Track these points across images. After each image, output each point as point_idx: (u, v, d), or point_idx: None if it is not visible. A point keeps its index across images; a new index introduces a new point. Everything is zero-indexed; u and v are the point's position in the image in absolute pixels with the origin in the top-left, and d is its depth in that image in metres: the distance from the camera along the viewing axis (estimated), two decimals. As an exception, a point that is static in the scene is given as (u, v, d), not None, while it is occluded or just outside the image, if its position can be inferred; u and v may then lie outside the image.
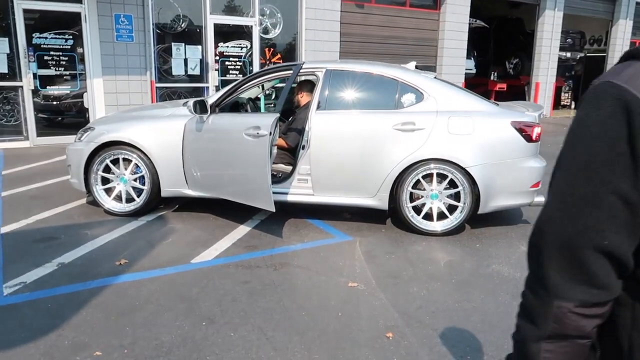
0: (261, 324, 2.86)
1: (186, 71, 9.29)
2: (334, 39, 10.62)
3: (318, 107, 4.42)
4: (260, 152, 3.96)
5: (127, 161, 4.70)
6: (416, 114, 4.34)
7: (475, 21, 14.18)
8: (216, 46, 9.49)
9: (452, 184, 4.32)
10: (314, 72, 4.57)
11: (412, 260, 3.86)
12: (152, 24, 8.79)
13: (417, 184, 4.35)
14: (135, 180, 4.71)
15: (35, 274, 3.46)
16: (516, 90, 15.67)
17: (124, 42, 8.58)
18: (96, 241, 4.09)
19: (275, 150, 4.28)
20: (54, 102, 8.40)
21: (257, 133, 4.00)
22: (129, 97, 8.80)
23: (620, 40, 16.18)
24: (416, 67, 4.98)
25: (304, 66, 4.57)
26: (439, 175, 4.31)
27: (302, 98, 4.92)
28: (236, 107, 5.10)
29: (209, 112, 4.33)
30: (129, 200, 4.75)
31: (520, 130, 4.27)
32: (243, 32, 9.80)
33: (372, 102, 4.50)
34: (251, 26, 9.80)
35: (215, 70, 9.50)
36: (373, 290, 3.33)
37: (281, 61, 10.41)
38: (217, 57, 9.53)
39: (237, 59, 9.78)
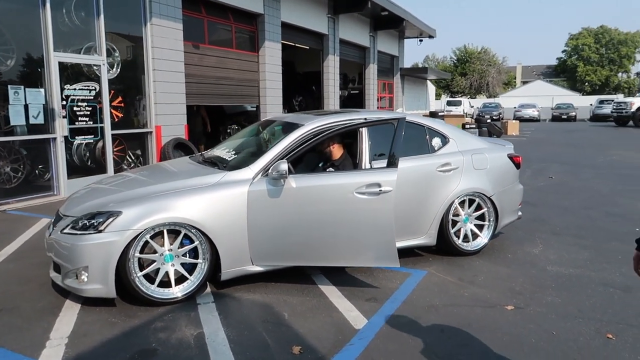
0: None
1: (27, 120, 7.41)
2: (180, 80, 10.05)
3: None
4: (383, 209, 3.89)
5: (172, 233, 3.82)
6: (448, 155, 4.88)
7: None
8: (62, 89, 7.87)
9: (477, 207, 5.04)
10: (353, 124, 4.52)
11: (502, 278, 4.38)
12: (-16, 61, 6.76)
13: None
14: (184, 255, 3.86)
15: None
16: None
17: (-52, 85, 6.37)
18: (213, 340, 3.26)
19: None
20: None
21: (380, 190, 3.90)
22: (-43, 157, 6.52)
23: (371, 80, 19.80)
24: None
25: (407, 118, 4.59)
26: (469, 201, 4.98)
27: (335, 150, 4.80)
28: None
29: (287, 175, 3.94)
30: (179, 280, 3.87)
31: (513, 160, 5.33)
32: (91, 73, 8.40)
33: (411, 148, 4.78)
34: (99, 66, 8.48)
35: (63, 117, 7.85)
36: (537, 309, 3.73)
37: (123, 105, 9.27)
38: (64, 102, 7.90)
39: (86, 103, 8.29)
